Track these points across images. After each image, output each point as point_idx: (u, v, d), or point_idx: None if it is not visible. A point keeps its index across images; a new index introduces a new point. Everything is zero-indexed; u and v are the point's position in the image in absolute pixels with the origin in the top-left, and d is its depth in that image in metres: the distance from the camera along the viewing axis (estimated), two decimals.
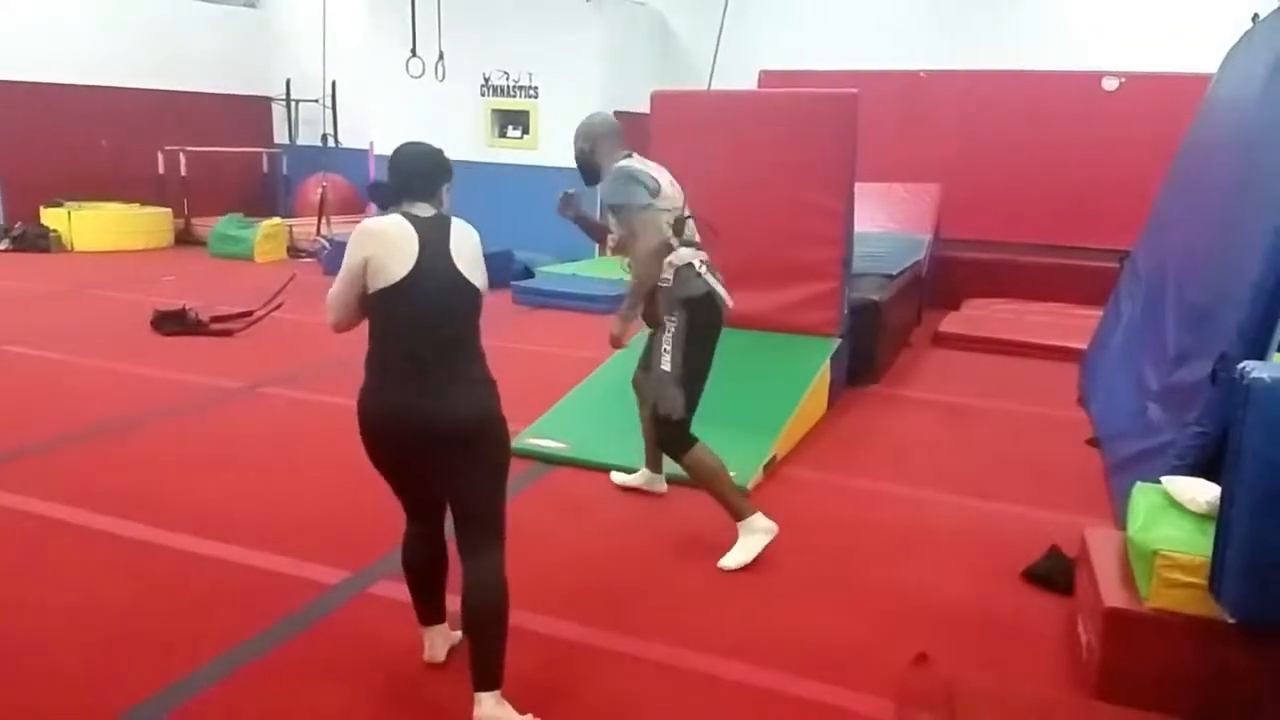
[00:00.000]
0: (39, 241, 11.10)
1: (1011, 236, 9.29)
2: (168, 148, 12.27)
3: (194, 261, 10.89)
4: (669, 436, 3.56)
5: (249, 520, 3.79)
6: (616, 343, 3.61)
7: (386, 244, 2.41)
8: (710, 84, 6.85)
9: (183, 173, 12.29)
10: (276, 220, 11.64)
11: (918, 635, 3.01)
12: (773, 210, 5.64)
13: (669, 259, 3.52)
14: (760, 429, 4.58)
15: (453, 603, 2.61)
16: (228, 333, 7.09)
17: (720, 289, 3.63)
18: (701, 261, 3.61)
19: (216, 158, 12.74)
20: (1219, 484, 2.60)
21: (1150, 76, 9.02)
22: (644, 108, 6.13)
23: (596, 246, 3.70)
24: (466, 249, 2.50)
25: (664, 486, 4.19)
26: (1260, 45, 4.96)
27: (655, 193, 3.51)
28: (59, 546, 3.56)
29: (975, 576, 3.49)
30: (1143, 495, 3.00)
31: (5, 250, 11.00)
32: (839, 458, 4.81)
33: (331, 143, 12.68)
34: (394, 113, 10.61)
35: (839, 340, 5.62)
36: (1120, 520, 3.34)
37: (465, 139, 10.49)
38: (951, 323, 7.82)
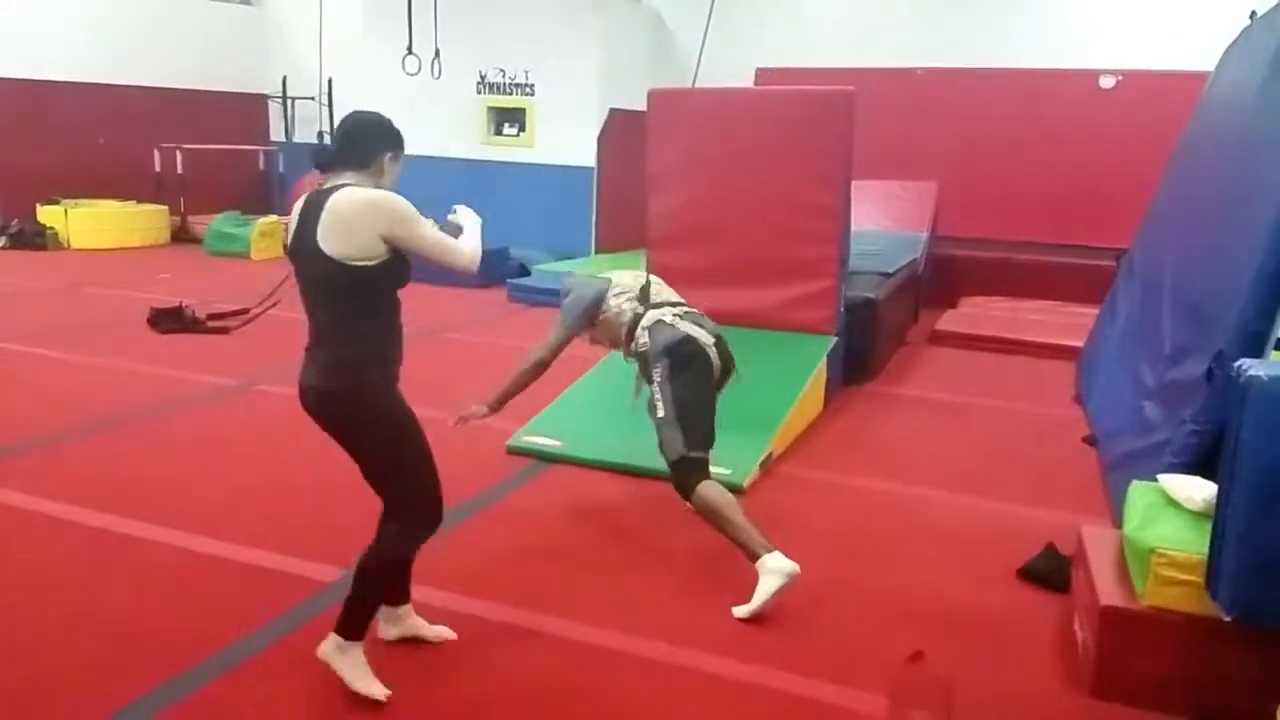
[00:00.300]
0: (36, 239, 11.09)
1: (1008, 234, 9.30)
2: (164, 145, 12.25)
3: (190, 259, 10.88)
4: (676, 477, 3.47)
5: (245, 517, 3.78)
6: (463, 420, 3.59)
7: (290, 220, 2.50)
8: (695, 81, 6.83)
9: (179, 170, 12.27)
10: (273, 218, 11.61)
11: (913, 633, 3.01)
12: (769, 208, 5.64)
13: (641, 323, 3.68)
14: (756, 426, 4.57)
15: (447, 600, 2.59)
16: (224, 330, 7.08)
17: (697, 331, 3.64)
18: (675, 315, 3.70)
19: (213, 155, 12.71)
20: (1216, 482, 2.60)
21: (1147, 74, 9.04)
22: (641, 106, 6.13)
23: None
24: (331, 217, 2.37)
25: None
26: (1258, 43, 4.96)
27: (591, 315, 3.80)
28: (55, 542, 3.55)
29: (971, 574, 3.49)
30: (1139, 493, 3.00)
31: (2, 248, 10.99)
32: (835, 456, 4.81)
33: (328, 140, 12.65)
34: (390, 110, 10.48)
35: (835, 338, 5.62)
36: (1117, 518, 3.33)
37: (461, 136, 10.49)
38: (948, 321, 7.83)
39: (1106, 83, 9.33)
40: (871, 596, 3.32)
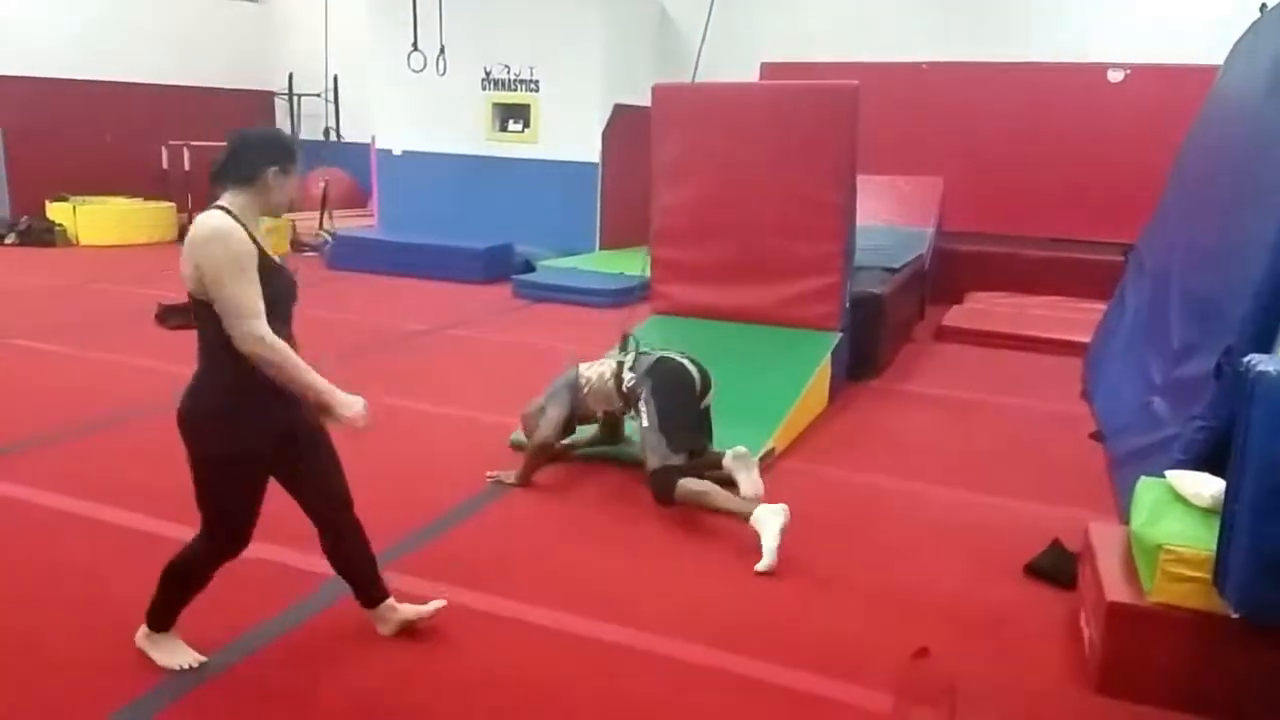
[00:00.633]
0: (45, 236, 11.15)
1: (1015, 230, 9.27)
2: (171, 142, 12.27)
3: None
4: (656, 485, 3.75)
5: None
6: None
7: None
8: (694, 76, 6.80)
9: (186, 167, 12.28)
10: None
11: (919, 629, 3.01)
12: (774, 203, 5.63)
13: (625, 366, 4.09)
14: (759, 421, 4.57)
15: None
16: None
17: (673, 353, 4.09)
18: (652, 349, 4.17)
19: (220, 152, 12.72)
20: (1224, 478, 2.59)
21: (1156, 68, 8.98)
22: (645, 100, 6.11)
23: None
24: (186, 240, 2.35)
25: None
26: (1267, 37, 4.92)
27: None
28: (63, 537, 3.56)
29: (977, 570, 3.48)
30: (1147, 489, 2.99)
31: (11, 244, 11.04)
32: (840, 452, 4.80)
33: (334, 137, 12.66)
34: (396, 107, 10.60)
35: (840, 335, 5.61)
36: (1124, 514, 3.32)
37: (466, 133, 10.47)
38: (954, 317, 7.80)
39: (1115, 76, 9.28)
40: (876, 592, 3.32)
